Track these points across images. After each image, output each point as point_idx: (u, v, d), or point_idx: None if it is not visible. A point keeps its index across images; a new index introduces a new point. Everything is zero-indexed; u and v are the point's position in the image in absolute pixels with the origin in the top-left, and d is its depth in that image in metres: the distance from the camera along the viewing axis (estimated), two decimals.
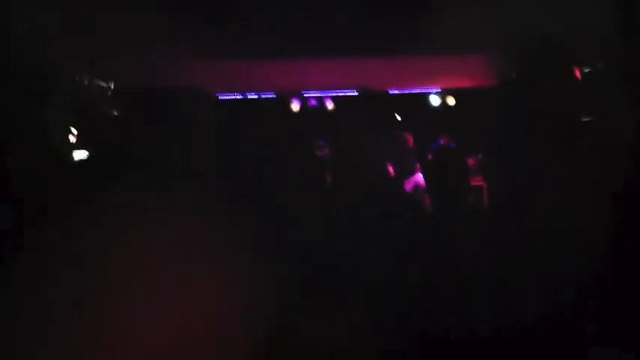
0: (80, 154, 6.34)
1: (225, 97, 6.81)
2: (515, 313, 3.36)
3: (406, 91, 6.78)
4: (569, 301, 3.47)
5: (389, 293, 3.59)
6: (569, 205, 4.62)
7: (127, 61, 6.18)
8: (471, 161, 6.51)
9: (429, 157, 5.72)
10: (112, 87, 6.48)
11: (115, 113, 6.58)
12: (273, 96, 6.78)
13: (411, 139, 6.32)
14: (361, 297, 3.54)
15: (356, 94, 6.76)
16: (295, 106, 6.81)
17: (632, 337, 3.23)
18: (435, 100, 6.94)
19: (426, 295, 3.59)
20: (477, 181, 6.48)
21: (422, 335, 3.25)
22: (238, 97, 6.83)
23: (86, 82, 6.36)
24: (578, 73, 5.71)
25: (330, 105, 6.85)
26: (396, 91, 6.74)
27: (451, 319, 3.35)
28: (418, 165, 6.13)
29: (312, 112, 6.75)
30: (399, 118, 6.92)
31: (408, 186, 6.19)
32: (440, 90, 6.87)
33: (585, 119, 5.64)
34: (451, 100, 6.78)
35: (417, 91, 6.81)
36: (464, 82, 6.60)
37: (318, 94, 6.80)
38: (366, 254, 4.14)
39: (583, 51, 5.61)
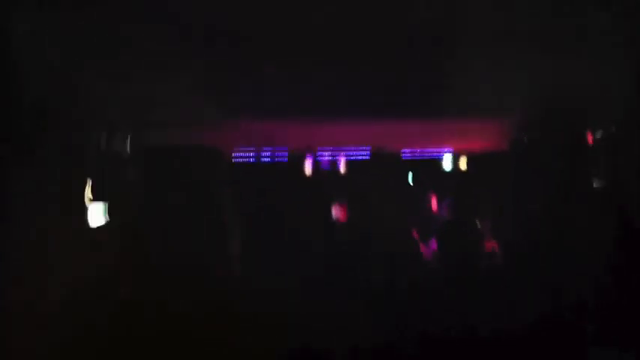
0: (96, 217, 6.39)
1: (239, 159, 6.86)
2: (515, 313, 3.34)
3: (418, 156, 6.82)
4: (569, 301, 3.44)
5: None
6: (570, 209, 4.65)
7: (140, 122, 6.31)
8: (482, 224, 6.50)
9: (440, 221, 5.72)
10: (128, 148, 6.57)
11: (132, 176, 6.67)
12: (285, 159, 6.84)
13: (426, 202, 6.35)
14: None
15: (368, 157, 6.80)
16: (308, 168, 6.84)
17: (632, 337, 3.19)
18: (447, 163, 6.96)
19: (425, 294, 3.57)
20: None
21: (421, 335, 3.23)
22: (251, 159, 6.88)
23: (104, 144, 6.46)
24: (590, 139, 5.73)
25: (342, 167, 6.88)
26: (409, 155, 6.78)
27: (451, 319, 3.33)
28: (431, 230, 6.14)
29: (325, 174, 6.78)
30: (411, 182, 6.93)
31: (423, 250, 6.16)
32: (452, 152, 6.90)
33: (599, 185, 5.64)
34: (463, 163, 6.79)
35: (429, 154, 6.84)
36: (476, 145, 6.63)
37: (331, 157, 6.84)
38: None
39: (599, 116, 5.65)
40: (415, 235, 5.97)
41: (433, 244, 5.76)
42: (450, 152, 6.92)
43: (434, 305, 3.69)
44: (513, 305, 3.56)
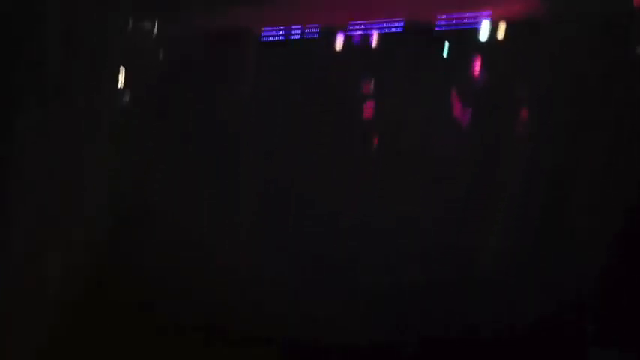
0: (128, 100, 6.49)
1: (269, 39, 6.66)
2: (515, 313, 3.36)
3: (454, 26, 6.35)
4: (569, 301, 3.44)
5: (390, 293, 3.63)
6: (567, 205, 4.52)
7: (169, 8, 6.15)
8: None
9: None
10: (155, 35, 6.49)
11: (160, 60, 6.63)
12: (316, 35, 6.57)
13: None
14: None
15: (400, 30, 6.42)
16: (339, 44, 6.58)
17: (632, 337, 3.21)
18: (484, 33, 6.48)
19: (424, 295, 3.62)
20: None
21: (420, 335, 3.31)
22: (281, 37, 6.67)
23: (130, 31, 6.40)
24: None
25: (374, 41, 6.57)
26: (444, 26, 6.34)
27: (450, 319, 3.39)
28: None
29: (356, 51, 6.51)
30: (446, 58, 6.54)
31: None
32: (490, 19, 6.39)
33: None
34: (502, 32, 6.31)
35: (466, 23, 6.36)
36: (516, 10, 6.10)
37: (362, 31, 6.52)
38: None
39: None
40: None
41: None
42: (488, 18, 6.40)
43: (432, 305, 3.67)
44: (513, 305, 3.52)
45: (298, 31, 6.64)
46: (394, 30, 6.49)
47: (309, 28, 6.63)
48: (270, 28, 6.66)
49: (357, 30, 6.57)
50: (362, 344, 3.38)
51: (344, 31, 6.51)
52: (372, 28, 6.50)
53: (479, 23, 6.42)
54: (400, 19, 6.46)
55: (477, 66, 6.09)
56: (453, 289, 3.68)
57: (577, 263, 3.65)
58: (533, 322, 3.35)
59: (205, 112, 5.80)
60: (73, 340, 4.09)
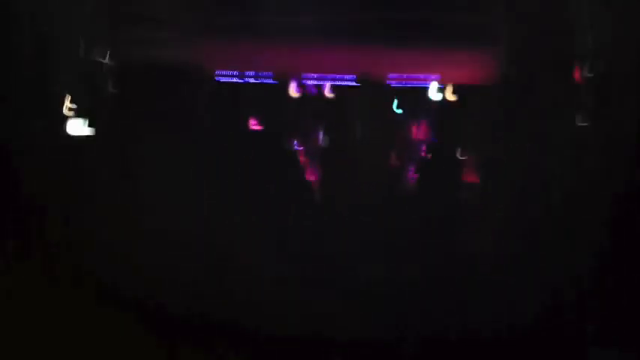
0: (76, 128, 6.33)
1: (224, 79, 6.73)
2: (515, 313, 3.36)
3: (405, 83, 6.72)
4: (569, 301, 3.46)
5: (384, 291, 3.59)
6: (567, 205, 4.64)
7: (126, 37, 6.15)
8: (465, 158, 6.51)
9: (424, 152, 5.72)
10: (109, 62, 6.43)
11: (112, 89, 6.56)
12: (272, 81, 6.72)
13: (411, 132, 6.33)
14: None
15: (355, 83, 6.70)
16: (294, 92, 6.75)
17: (632, 337, 3.23)
18: (434, 93, 6.88)
19: (425, 295, 3.59)
20: (470, 178, 6.48)
21: (421, 335, 3.25)
22: (237, 79, 6.76)
23: (84, 57, 6.32)
24: (578, 75, 5.69)
25: (328, 92, 6.79)
26: (395, 83, 6.68)
27: (451, 319, 3.35)
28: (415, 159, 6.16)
29: (311, 99, 6.70)
30: (398, 110, 6.87)
31: (405, 179, 6.19)
32: (440, 83, 6.82)
33: (583, 122, 5.63)
34: (450, 94, 6.72)
35: (417, 83, 6.74)
36: (464, 77, 6.54)
37: (317, 82, 6.73)
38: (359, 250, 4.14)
39: (585, 52, 5.58)
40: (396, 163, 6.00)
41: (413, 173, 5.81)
42: (436, 80, 6.84)
43: (432, 305, 3.65)
44: (513, 305, 3.53)
45: (252, 76, 6.78)
46: (347, 83, 6.76)
47: (263, 74, 6.78)
48: (224, 71, 6.78)
49: (310, 80, 6.80)
50: (362, 343, 3.28)
51: (298, 79, 6.71)
52: (326, 79, 6.75)
53: (428, 82, 6.82)
54: (352, 74, 6.76)
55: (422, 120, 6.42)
56: (453, 289, 3.65)
57: (577, 263, 3.71)
58: (533, 322, 3.32)
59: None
60: None
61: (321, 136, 6.61)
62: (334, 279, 3.84)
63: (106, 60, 6.33)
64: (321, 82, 6.82)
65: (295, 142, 6.42)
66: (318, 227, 4.57)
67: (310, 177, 6.01)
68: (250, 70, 6.75)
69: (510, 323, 3.39)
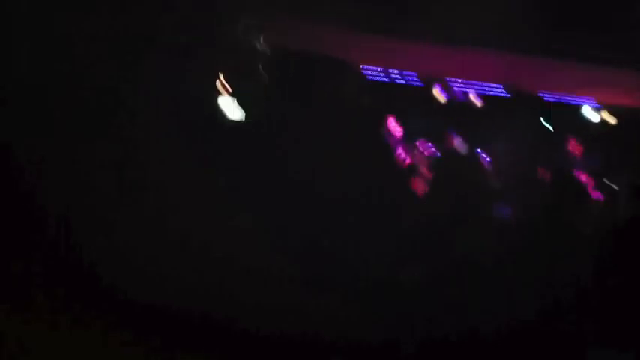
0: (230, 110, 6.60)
1: (372, 77, 6.80)
2: (516, 313, 3.32)
3: (559, 98, 6.47)
4: (570, 301, 3.39)
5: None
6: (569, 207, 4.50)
7: (284, 25, 6.33)
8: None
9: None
10: (263, 48, 6.65)
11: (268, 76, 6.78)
12: (419, 82, 6.71)
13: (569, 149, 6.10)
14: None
15: (507, 95, 6.54)
16: (440, 95, 6.70)
17: (631, 337, 3.14)
18: (590, 114, 6.58)
19: (426, 294, 3.56)
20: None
21: (423, 335, 3.25)
22: (385, 78, 6.80)
23: (242, 41, 6.57)
24: None
25: (476, 100, 6.68)
26: (550, 98, 6.45)
27: (451, 319, 3.33)
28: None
29: (458, 104, 6.62)
30: (550, 127, 6.62)
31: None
32: (597, 104, 6.51)
33: None
34: (609, 117, 6.40)
35: (571, 99, 6.48)
36: (622, 99, 6.21)
37: (467, 88, 6.64)
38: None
39: None
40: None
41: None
42: (592, 103, 6.52)
43: (434, 304, 3.61)
44: (513, 305, 3.48)
45: (398, 75, 6.78)
46: (497, 93, 6.61)
47: (408, 74, 6.77)
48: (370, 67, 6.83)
49: (457, 85, 6.70)
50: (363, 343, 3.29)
51: (443, 83, 6.64)
52: (472, 87, 6.64)
53: (582, 101, 6.54)
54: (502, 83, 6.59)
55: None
56: (453, 289, 3.62)
57: (577, 264, 3.60)
58: (533, 322, 3.32)
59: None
60: None
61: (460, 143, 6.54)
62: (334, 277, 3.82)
63: (261, 45, 6.56)
64: (468, 89, 6.73)
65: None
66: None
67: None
68: (396, 69, 6.77)
69: (511, 323, 3.32)
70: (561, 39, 5.35)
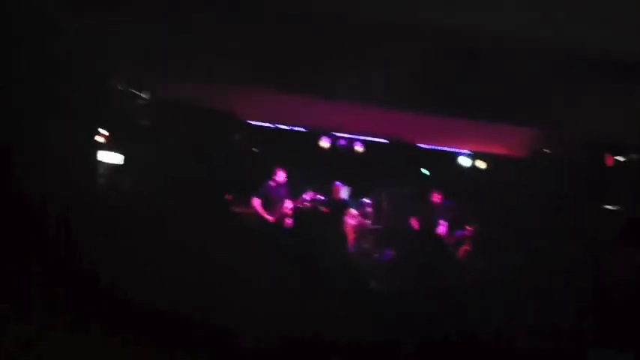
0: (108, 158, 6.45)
1: (256, 124, 6.84)
2: (516, 314, 3.37)
3: (437, 148, 6.78)
4: (569, 301, 3.47)
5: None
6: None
7: (166, 76, 6.26)
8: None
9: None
10: (146, 97, 6.55)
11: (147, 123, 6.68)
12: (303, 130, 6.81)
13: (436, 196, 6.41)
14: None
15: (386, 141, 6.77)
16: (325, 144, 6.83)
17: (631, 337, 3.22)
18: (465, 162, 6.93)
19: (428, 297, 3.60)
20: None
21: (423, 336, 3.25)
22: (268, 125, 6.85)
23: (123, 90, 6.44)
24: (610, 161, 5.72)
25: (358, 147, 6.87)
26: (426, 146, 6.74)
27: (451, 319, 3.35)
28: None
29: (339, 151, 6.78)
30: (426, 172, 6.92)
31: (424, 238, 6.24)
32: (471, 152, 6.87)
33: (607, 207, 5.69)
34: (481, 164, 6.77)
35: (448, 149, 6.80)
36: (496, 149, 6.60)
37: (349, 136, 6.81)
38: None
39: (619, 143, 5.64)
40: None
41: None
42: (467, 154, 6.90)
43: (435, 306, 3.68)
44: (514, 305, 3.55)
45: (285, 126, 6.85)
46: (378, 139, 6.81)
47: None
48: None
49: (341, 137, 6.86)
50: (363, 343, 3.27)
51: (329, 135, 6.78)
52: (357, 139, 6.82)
53: (458, 149, 6.86)
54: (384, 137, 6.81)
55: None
56: (454, 290, 3.65)
57: (577, 264, 3.69)
58: (533, 322, 3.32)
59: None
60: None
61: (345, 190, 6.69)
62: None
63: (144, 95, 6.46)
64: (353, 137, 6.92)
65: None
66: None
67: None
68: (282, 124, 6.85)
69: (511, 323, 3.39)
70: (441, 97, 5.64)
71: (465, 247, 6.54)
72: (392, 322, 3.43)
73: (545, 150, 6.09)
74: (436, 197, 6.42)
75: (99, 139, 6.23)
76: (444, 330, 3.45)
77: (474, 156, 6.95)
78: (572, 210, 5.66)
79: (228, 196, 6.94)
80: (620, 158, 5.75)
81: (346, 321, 3.42)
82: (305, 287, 3.78)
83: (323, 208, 6.87)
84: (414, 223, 6.37)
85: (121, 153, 6.33)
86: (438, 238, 6.02)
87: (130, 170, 6.39)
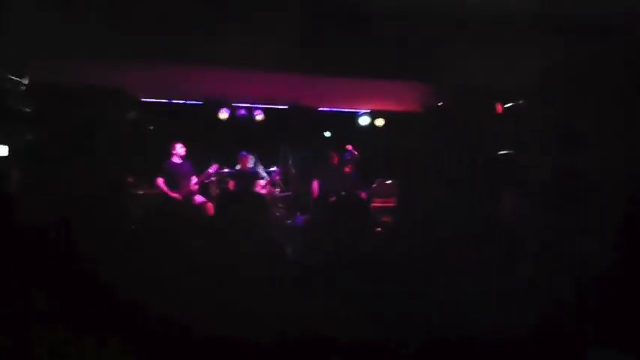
0: None
1: (148, 100, 6.57)
2: (516, 314, 3.44)
3: (335, 109, 6.86)
4: (570, 301, 3.57)
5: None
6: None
7: (47, 58, 5.86)
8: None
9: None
10: (27, 82, 6.11)
11: (28, 109, 6.25)
12: (200, 102, 6.63)
13: (335, 157, 6.50)
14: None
15: (286, 107, 6.75)
16: (224, 114, 6.70)
17: (631, 337, 3.34)
18: (364, 120, 7.07)
19: (428, 297, 3.64)
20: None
21: (424, 334, 3.30)
22: (163, 100, 6.61)
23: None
24: (500, 108, 6.05)
25: (259, 116, 6.80)
26: (326, 109, 6.80)
27: (451, 319, 3.41)
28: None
29: (240, 121, 6.69)
30: (327, 134, 7.01)
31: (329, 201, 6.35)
32: (369, 111, 7.01)
33: (501, 152, 6.04)
34: (380, 122, 6.94)
35: (347, 110, 6.90)
36: (392, 106, 6.77)
37: (248, 105, 6.72)
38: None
39: (506, 90, 5.95)
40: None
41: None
42: (366, 112, 7.04)
43: (437, 306, 3.72)
44: (514, 306, 3.61)
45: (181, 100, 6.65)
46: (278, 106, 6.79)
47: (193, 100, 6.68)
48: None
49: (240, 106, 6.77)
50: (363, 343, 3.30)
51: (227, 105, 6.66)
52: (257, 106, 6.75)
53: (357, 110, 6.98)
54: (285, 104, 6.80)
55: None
56: (454, 289, 3.72)
57: (577, 265, 3.85)
58: (533, 322, 3.40)
59: None
60: None
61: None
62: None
63: (24, 80, 6.03)
64: (252, 106, 6.83)
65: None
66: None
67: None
68: (178, 98, 6.63)
69: (511, 323, 3.50)
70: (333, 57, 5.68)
71: (374, 205, 6.88)
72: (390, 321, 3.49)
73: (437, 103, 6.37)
74: (337, 158, 6.53)
75: None
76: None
77: (372, 115, 7.13)
78: (467, 158, 5.99)
79: (131, 179, 6.90)
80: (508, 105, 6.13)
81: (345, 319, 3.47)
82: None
83: (230, 181, 6.87)
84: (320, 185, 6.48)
85: (4, 144, 5.93)
86: (350, 198, 6.17)
87: (21, 162, 6.03)
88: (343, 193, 6.29)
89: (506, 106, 6.13)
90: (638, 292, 3.65)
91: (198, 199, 6.42)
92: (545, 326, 3.49)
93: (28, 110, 6.38)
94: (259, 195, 6.30)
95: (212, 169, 6.40)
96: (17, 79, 6.19)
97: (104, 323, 3.15)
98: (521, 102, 5.96)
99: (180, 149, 6.36)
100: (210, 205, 6.33)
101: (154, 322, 3.27)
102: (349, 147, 6.44)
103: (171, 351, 3.12)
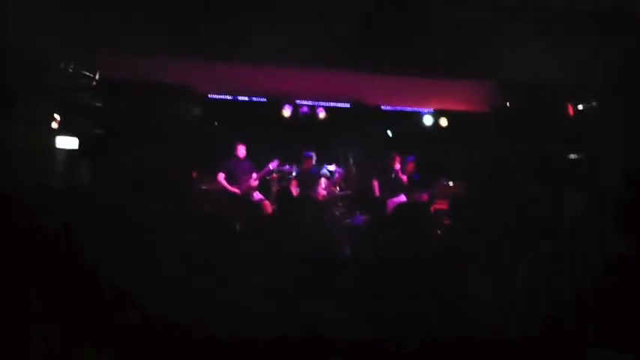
0: (63, 142, 6.25)
1: (215, 97, 6.67)
2: (516, 314, 3.39)
3: (399, 108, 6.76)
4: (569, 301, 3.50)
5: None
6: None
7: (117, 53, 6.06)
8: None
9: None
10: (98, 77, 6.32)
11: (99, 104, 6.46)
12: (264, 100, 6.68)
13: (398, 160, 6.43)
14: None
15: (348, 106, 6.70)
16: (287, 112, 6.72)
17: (631, 337, 3.26)
18: (427, 120, 6.93)
19: (426, 297, 3.61)
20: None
21: (424, 334, 3.27)
22: (228, 97, 6.70)
23: (72, 71, 6.20)
24: (571, 111, 5.81)
25: (322, 114, 6.78)
26: (389, 108, 6.71)
27: (451, 319, 3.36)
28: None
29: (303, 119, 6.69)
30: (390, 133, 6.91)
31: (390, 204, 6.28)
32: (433, 110, 6.86)
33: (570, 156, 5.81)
34: (444, 121, 6.78)
35: (410, 109, 6.79)
36: (457, 106, 6.62)
37: (311, 103, 6.71)
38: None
39: (578, 92, 5.73)
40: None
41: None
42: (430, 112, 6.90)
43: (434, 306, 3.69)
44: (514, 306, 3.57)
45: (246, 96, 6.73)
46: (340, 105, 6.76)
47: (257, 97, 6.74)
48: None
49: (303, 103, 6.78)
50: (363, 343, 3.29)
51: (290, 102, 6.68)
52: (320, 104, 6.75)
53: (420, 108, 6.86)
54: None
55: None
56: (454, 289, 3.68)
57: (577, 265, 3.75)
58: (533, 322, 3.34)
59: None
60: None
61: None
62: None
63: (95, 76, 6.24)
64: (315, 104, 6.82)
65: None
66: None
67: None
68: (242, 94, 6.72)
69: (511, 323, 3.44)
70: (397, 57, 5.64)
71: (436, 206, 6.75)
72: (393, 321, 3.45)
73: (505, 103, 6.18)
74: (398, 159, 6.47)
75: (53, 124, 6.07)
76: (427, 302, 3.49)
77: (435, 114, 6.97)
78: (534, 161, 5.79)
79: (195, 174, 7.04)
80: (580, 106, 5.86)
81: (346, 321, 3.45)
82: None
83: (293, 182, 6.91)
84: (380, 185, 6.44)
85: (76, 137, 6.16)
86: (409, 200, 6.10)
87: (89, 155, 6.24)
88: (403, 194, 6.22)
89: (578, 106, 5.87)
90: (638, 292, 3.49)
91: (257, 196, 6.52)
92: (546, 326, 3.38)
93: (98, 105, 6.68)
94: (316, 202, 6.32)
95: (273, 165, 6.48)
96: (89, 74, 6.49)
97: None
98: (594, 103, 5.70)
99: (241, 148, 6.52)
100: (267, 203, 6.40)
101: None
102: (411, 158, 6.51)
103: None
